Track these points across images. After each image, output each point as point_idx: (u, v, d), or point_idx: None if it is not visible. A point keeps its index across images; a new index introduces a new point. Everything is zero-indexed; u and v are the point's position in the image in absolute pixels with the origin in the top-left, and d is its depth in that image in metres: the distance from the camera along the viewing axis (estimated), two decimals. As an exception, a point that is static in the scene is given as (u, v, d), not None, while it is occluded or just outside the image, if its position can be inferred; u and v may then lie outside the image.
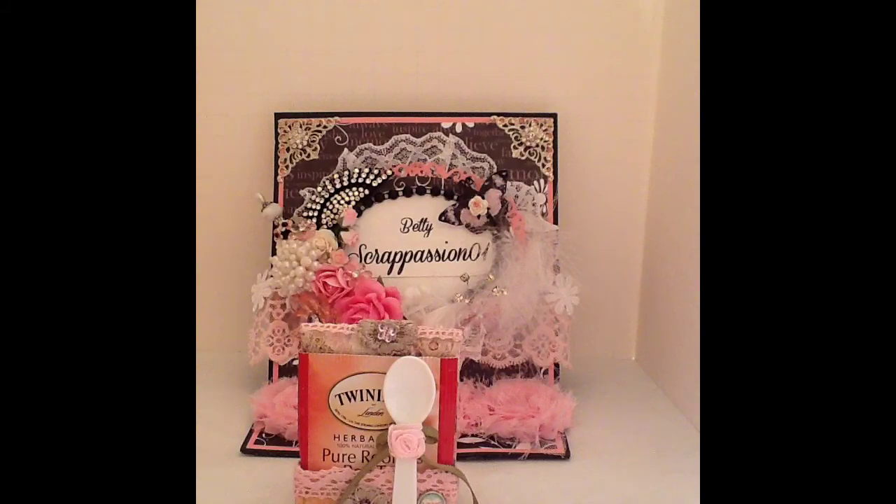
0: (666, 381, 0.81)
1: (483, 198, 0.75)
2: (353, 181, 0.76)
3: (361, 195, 0.76)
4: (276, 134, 0.78)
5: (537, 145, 0.78)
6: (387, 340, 0.51)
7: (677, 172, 0.78)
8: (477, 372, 0.75)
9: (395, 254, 0.76)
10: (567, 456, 0.65)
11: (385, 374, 0.50)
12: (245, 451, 0.66)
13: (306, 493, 0.52)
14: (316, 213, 0.76)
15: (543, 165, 0.77)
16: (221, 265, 0.84)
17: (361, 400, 0.51)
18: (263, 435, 0.68)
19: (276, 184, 0.77)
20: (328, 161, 0.77)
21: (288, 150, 0.77)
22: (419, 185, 0.76)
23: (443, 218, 0.76)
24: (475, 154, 0.77)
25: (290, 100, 0.81)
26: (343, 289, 0.72)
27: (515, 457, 0.65)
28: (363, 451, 0.52)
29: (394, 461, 0.50)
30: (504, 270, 0.74)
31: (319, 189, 0.76)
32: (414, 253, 0.76)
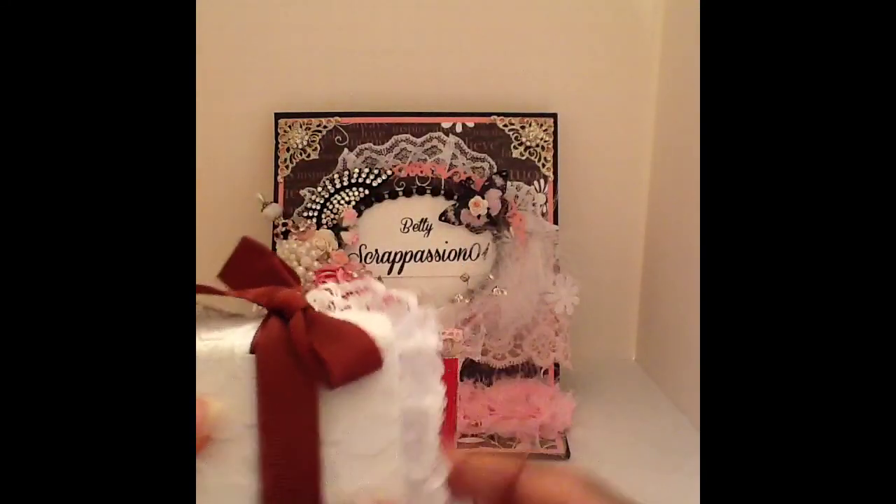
0: (666, 381, 0.81)
1: (483, 198, 0.75)
2: (353, 181, 0.76)
3: (361, 195, 0.76)
4: (276, 134, 0.78)
5: (537, 145, 0.78)
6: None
7: (677, 172, 0.78)
8: (477, 372, 0.75)
9: (395, 254, 0.76)
10: (567, 456, 0.65)
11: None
12: (245, 451, 0.66)
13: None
14: (316, 213, 0.76)
15: (543, 165, 0.77)
16: (221, 265, 0.84)
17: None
18: (263, 435, 0.68)
19: (276, 184, 0.77)
20: (328, 161, 0.77)
21: (288, 150, 0.77)
22: (419, 185, 0.76)
23: (443, 218, 0.76)
24: (475, 154, 0.77)
25: (290, 100, 0.81)
26: (343, 289, 0.72)
27: (515, 457, 0.65)
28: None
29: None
30: (504, 270, 0.74)
31: (319, 189, 0.76)
32: (414, 253, 0.76)
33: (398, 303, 0.29)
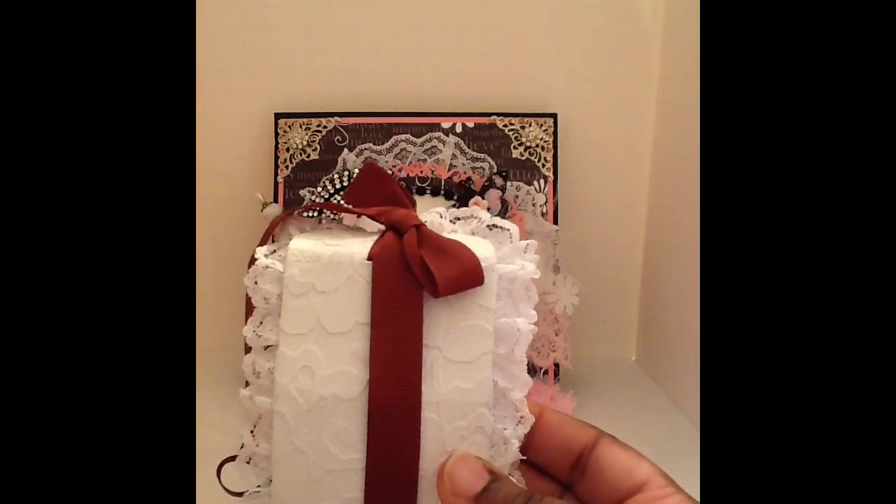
0: (666, 381, 0.81)
1: (483, 198, 0.75)
2: (352, 181, 0.76)
3: (361, 195, 0.76)
4: (276, 134, 0.78)
5: (537, 145, 0.78)
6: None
7: (677, 172, 0.78)
8: (477, 372, 0.75)
9: (395, 254, 0.76)
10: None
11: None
12: (245, 451, 0.65)
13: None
14: (316, 214, 0.76)
15: (543, 165, 0.77)
16: (221, 265, 0.85)
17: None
18: (263, 435, 0.68)
19: (276, 184, 0.77)
20: (328, 161, 0.77)
21: (288, 150, 0.77)
22: (419, 185, 0.76)
23: (443, 218, 0.76)
24: (475, 154, 0.77)
25: (290, 100, 0.81)
26: (343, 289, 0.72)
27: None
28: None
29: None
30: (504, 270, 0.74)
31: (319, 189, 0.76)
32: (414, 253, 0.76)
33: (502, 231, 0.32)
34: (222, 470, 0.32)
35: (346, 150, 0.77)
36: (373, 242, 0.30)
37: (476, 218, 0.32)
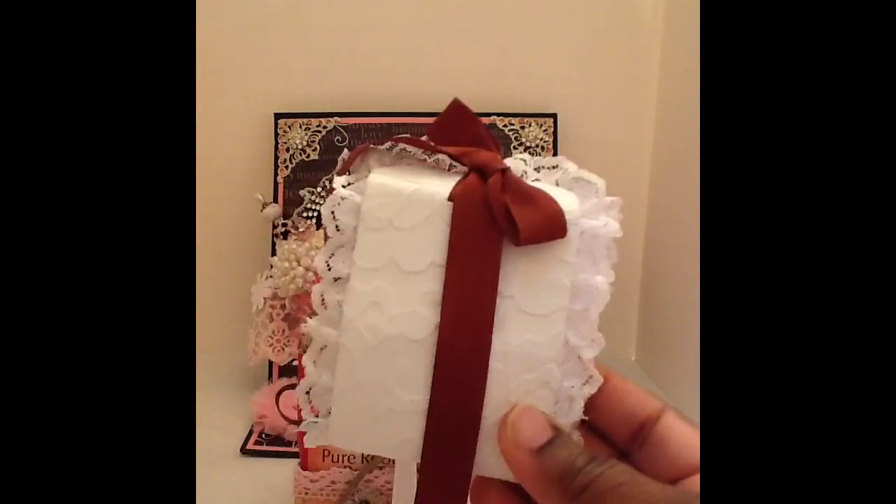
0: (666, 381, 0.81)
1: (483, 198, 0.75)
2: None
3: (361, 195, 0.76)
4: (276, 134, 0.78)
5: (537, 145, 0.78)
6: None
7: (677, 172, 0.78)
8: (477, 372, 0.75)
9: (395, 254, 0.76)
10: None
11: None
12: (245, 451, 0.66)
13: (305, 493, 0.52)
14: (315, 214, 0.76)
15: (543, 165, 0.77)
16: (221, 265, 0.85)
17: (361, 400, 0.51)
18: (263, 435, 0.68)
19: (276, 184, 0.77)
20: (328, 161, 0.77)
21: (288, 150, 0.77)
22: (419, 185, 0.76)
23: (443, 218, 0.76)
24: (475, 154, 0.77)
25: (290, 100, 0.81)
26: (343, 289, 0.72)
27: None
28: (363, 452, 0.52)
29: (394, 462, 0.50)
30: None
31: (319, 189, 0.76)
32: (414, 253, 0.76)
33: (588, 184, 0.31)
34: (280, 397, 0.31)
35: (346, 150, 0.77)
36: (454, 183, 0.30)
37: (561, 169, 0.31)
